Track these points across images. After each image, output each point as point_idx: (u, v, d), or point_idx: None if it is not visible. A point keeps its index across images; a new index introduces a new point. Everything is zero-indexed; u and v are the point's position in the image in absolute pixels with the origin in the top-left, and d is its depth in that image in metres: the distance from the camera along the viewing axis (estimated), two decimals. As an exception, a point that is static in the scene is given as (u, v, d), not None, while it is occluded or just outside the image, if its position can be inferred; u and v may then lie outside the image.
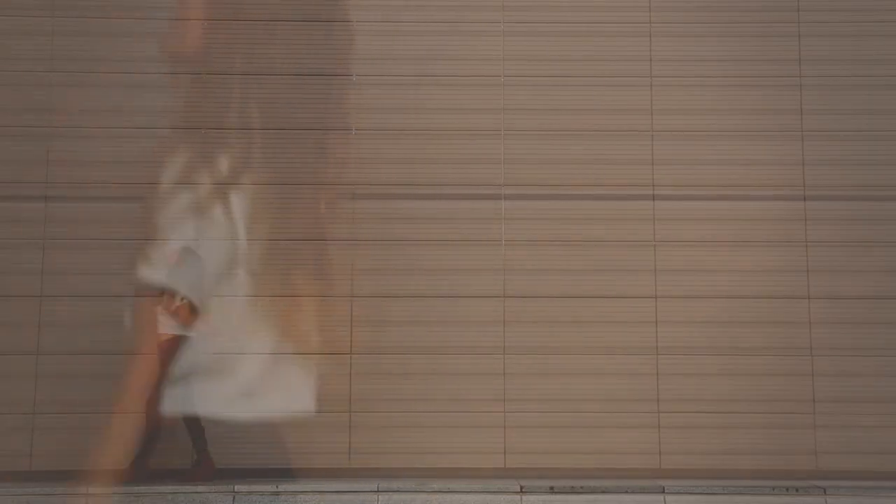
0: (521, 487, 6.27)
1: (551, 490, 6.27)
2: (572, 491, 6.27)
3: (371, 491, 6.23)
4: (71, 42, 7.16)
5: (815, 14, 7.26)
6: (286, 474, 6.70)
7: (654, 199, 7.08)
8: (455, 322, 6.98)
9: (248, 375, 6.71)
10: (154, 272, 6.73)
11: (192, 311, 6.65)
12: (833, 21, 7.25)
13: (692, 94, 7.19)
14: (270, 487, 6.25)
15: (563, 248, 7.06)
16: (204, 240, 6.85)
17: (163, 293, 6.67)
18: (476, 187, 7.09)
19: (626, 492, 6.27)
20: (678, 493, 6.27)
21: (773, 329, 6.98)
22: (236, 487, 6.23)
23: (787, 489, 6.29)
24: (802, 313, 7.00)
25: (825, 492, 6.28)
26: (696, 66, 7.21)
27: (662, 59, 7.21)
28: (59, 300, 6.92)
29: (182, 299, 6.63)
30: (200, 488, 6.25)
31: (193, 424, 6.62)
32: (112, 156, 7.06)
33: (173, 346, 6.66)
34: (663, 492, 6.27)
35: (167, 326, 6.66)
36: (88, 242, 6.96)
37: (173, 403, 6.61)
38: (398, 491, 6.24)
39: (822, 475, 6.77)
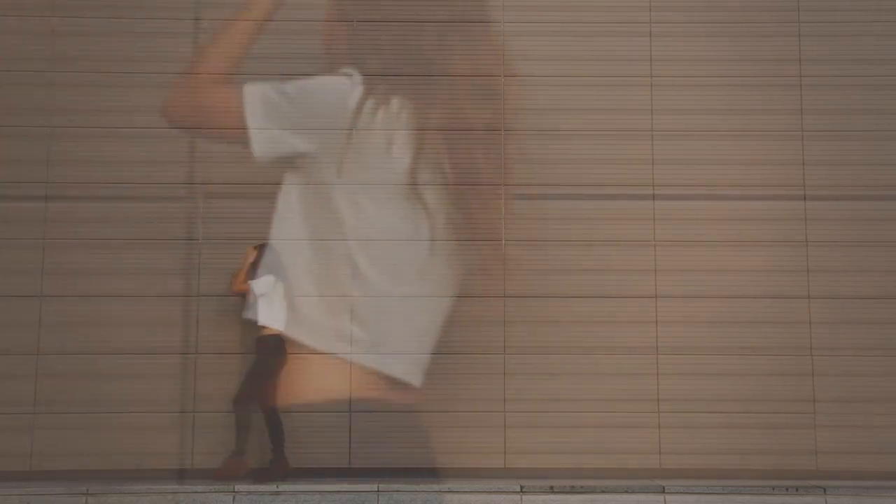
0: (521, 487, 6.27)
1: (551, 490, 6.27)
2: (572, 491, 6.28)
3: (371, 491, 6.23)
4: (71, 42, 7.16)
5: (815, 14, 7.26)
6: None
7: (654, 199, 7.08)
8: (455, 322, 6.97)
9: None
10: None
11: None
12: (833, 21, 7.25)
13: (692, 94, 7.19)
14: (270, 487, 6.25)
15: (564, 247, 7.05)
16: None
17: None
18: (476, 187, 7.09)
19: (626, 492, 6.28)
20: (678, 492, 6.27)
21: (773, 329, 6.98)
22: (236, 487, 6.23)
23: (787, 489, 6.29)
24: (802, 313, 7.00)
25: (825, 492, 6.29)
26: (696, 67, 7.21)
27: (662, 59, 7.21)
28: (59, 300, 6.92)
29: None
30: (200, 488, 6.26)
31: (274, 422, 6.68)
32: (112, 156, 7.06)
33: (273, 343, 6.71)
34: (663, 492, 6.27)
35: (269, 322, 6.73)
36: (88, 242, 6.96)
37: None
38: (398, 491, 6.24)
39: (822, 475, 6.77)
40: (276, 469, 6.57)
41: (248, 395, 6.68)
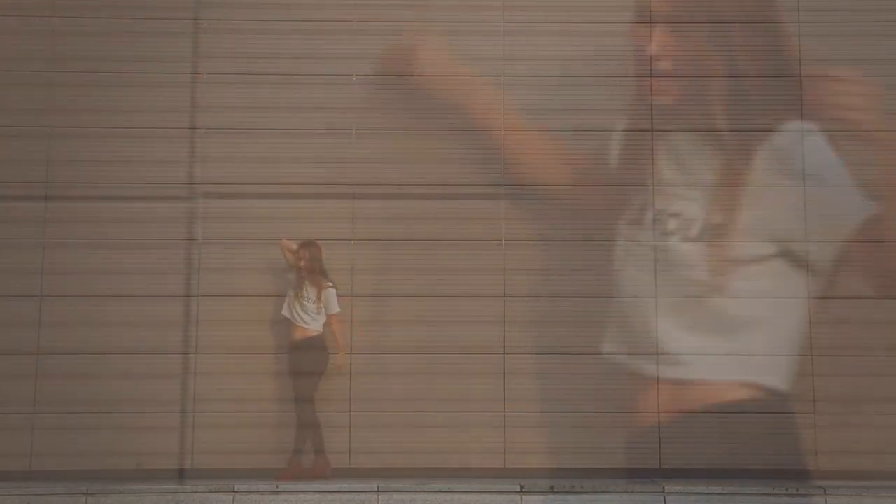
0: (521, 487, 6.28)
1: (551, 490, 6.27)
2: (572, 491, 6.28)
3: (371, 491, 6.23)
4: (71, 42, 7.16)
5: (815, 14, 7.25)
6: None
7: (653, 199, 7.07)
8: (455, 322, 6.97)
9: None
10: None
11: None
12: (833, 21, 7.24)
13: (690, 93, 7.18)
14: (270, 487, 6.25)
15: (563, 247, 7.05)
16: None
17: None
18: (476, 187, 7.09)
19: (626, 492, 6.28)
20: (678, 493, 6.27)
21: (773, 329, 6.97)
22: (236, 487, 6.24)
23: (787, 489, 6.29)
24: (802, 313, 6.99)
25: (825, 492, 6.28)
26: (695, 66, 7.20)
27: (662, 58, 7.20)
28: (59, 300, 6.92)
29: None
30: (201, 488, 6.26)
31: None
32: (112, 156, 7.07)
33: (322, 343, 6.77)
34: (663, 492, 6.27)
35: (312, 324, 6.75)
36: (88, 242, 6.97)
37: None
38: (398, 491, 6.24)
39: (822, 475, 6.76)
40: (292, 469, 6.58)
41: (308, 395, 6.72)
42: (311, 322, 6.74)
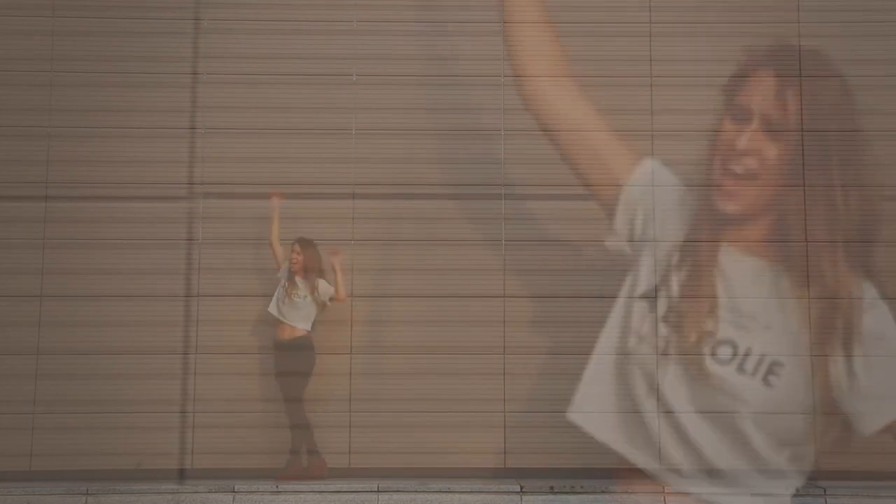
0: (521, 487, 6.28)
1: (551, 490, 6.28)
2: (572, 491, 6.28)
3: (371, 491, 6.23)
4: (71, 42, 7.16)
5: (815, 14, 7.25)
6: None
7: (653, 199, 7.08)
8: (455, 322, 6.97)
9: None
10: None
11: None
12: (833, 21, 7.24)
13: (691, 94, 7.18)
14: (270, 487, 6.25)
15: (563, 247, 7.05)
16: None
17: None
18: (476, 187, 7.10)
19: (626, 492, 6.28)
20: (678, 493, 6.27)
21: (771, 328, 6.97)
22: (236, 487, 6.24)
23: (787, 489, 6.29)
24: (800, 313, 6.99)
25: (825, 492, 6.29)
26: (696, 66, 7.21)
27: (662, 59, 7.20)
28: (59, 300, 6.92)
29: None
30: (201, 488, 6.27)
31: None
32: (112, 156, 7.07)
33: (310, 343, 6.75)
34: (663, 492, 6.27)
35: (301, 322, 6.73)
36: (88, 242, 6.97)
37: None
38: (398, 491, 6.24)
39: (822, 475, 6.76)
40: (291, 469, 6.58)
41: (296, 395, 6.69)
42: (299, 321, 6.71)
